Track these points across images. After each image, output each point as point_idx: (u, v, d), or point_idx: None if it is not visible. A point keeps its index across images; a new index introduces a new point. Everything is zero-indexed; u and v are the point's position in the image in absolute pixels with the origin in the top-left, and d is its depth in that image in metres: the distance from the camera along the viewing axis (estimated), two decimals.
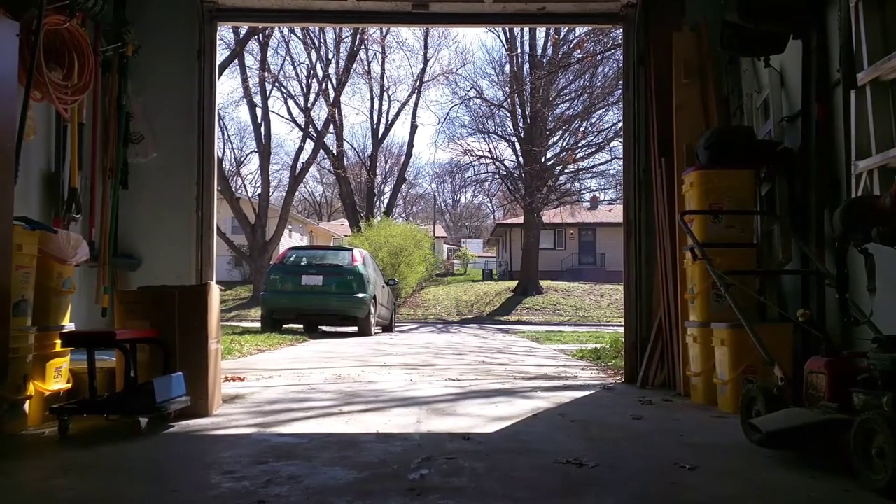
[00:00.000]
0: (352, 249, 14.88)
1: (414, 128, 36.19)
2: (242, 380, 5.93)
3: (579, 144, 29.53)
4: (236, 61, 27.63)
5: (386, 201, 41.17)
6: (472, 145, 34.76)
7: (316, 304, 13.20)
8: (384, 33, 30.96)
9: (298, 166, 31.96)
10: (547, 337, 13.41)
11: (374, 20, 6.78)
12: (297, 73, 32.73)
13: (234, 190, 31.99)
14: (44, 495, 2.61)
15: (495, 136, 32.09)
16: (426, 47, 34.76)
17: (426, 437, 3.64)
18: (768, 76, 5.26)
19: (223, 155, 34.51)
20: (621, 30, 6.42)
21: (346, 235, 38.56)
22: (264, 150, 31.24)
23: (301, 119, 32.34)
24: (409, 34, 47.52)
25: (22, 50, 3.92)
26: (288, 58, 32.97)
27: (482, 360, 8.49)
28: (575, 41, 23.49)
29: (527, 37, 29.38)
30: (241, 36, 26.45)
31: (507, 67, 32.04)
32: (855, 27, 4.18)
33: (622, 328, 6.64)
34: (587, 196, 36.23)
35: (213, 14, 6.15)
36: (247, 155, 44.11)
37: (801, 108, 4.84)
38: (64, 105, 4.58)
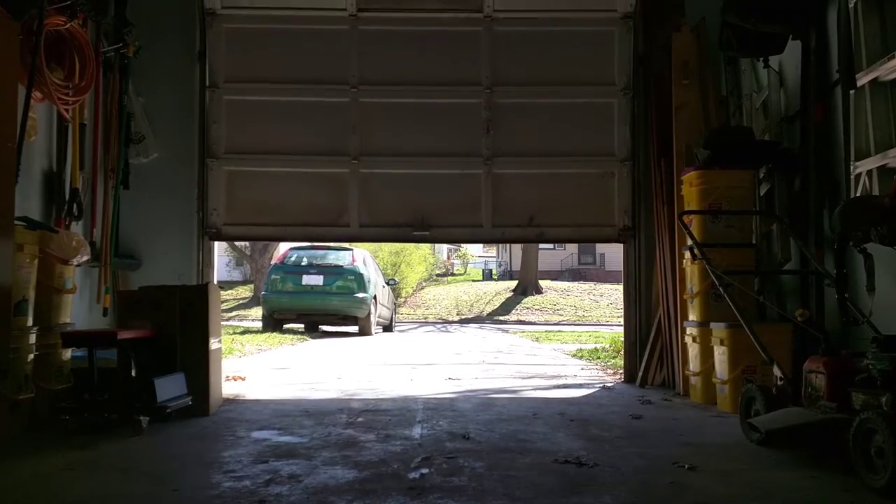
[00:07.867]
0: (352, 249, 14.85)
1: None
2: (243, 379, 5.94)
3: None
4: None
5: None
6: None
7: (316, 303, 13.19)
8: None
9: None
10: (546, 336, 13.41)
11: (377, 240, 6.75)
12: None
13: None
14: (45, 494, 2.63)
15: None
16: None
17: (426, 436, 3.66)
18: (767, 76, 5.26)
19: None
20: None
21: None
22: None
23: None
24: None
25: (23, 50, 3.93)
26: None
27: (482, 360, 8.50)
28: None
29: None
30: None
31: None
32: (854, 28, 4.19)
33: (621, 328, 6.65)
34: None
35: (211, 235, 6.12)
36: None
37: (800, 109, 4.85)
38: (65, 106, 4.58)
